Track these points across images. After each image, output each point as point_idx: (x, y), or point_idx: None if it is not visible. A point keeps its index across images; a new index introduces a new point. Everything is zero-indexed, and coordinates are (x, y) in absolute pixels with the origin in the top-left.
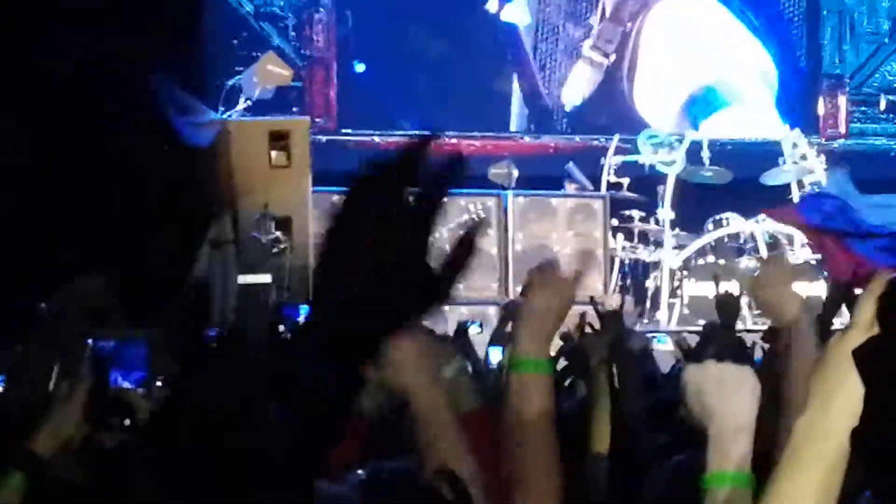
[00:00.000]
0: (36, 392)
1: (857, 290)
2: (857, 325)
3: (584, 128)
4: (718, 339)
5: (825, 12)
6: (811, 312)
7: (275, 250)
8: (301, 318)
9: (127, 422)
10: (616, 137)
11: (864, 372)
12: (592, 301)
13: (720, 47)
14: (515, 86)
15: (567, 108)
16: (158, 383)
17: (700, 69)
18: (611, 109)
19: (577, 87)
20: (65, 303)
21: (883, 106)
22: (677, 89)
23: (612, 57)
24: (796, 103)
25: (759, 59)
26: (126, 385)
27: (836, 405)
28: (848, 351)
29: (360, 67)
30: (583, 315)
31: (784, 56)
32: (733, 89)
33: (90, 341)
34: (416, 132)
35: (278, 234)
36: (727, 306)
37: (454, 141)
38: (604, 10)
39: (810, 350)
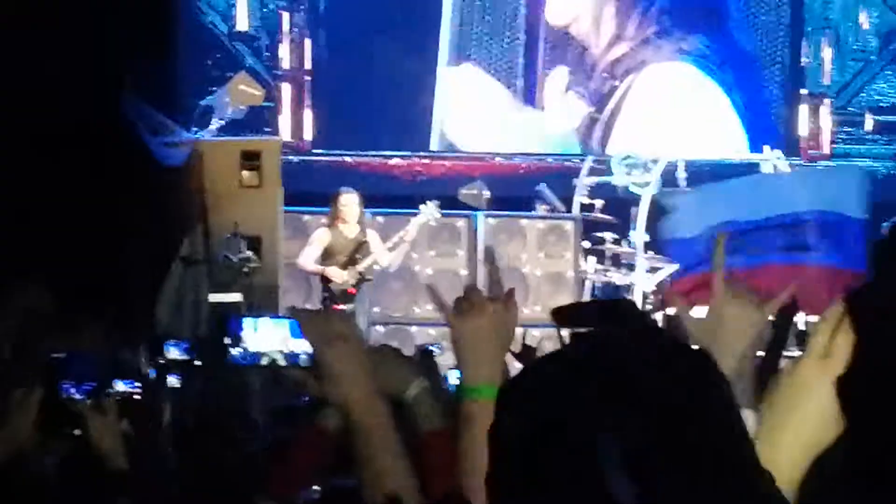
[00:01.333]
0: None
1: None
2: (811, 353)
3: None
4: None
5: (810, 29)
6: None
7: (245, 270)
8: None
9: (76, 432)
10: (589, 158)
11: (848, 405)
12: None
13: (698, 126)
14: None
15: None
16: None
17: (672, 143)
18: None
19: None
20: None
21: (869, 126)
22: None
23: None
24: (777, 123)
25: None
26: (76, 395)
27: (785, 437)
28: (802, 381)
29: None
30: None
31: (764, 73)
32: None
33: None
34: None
35: (249, 253)
36: (674, 333)
37: (426, 161)
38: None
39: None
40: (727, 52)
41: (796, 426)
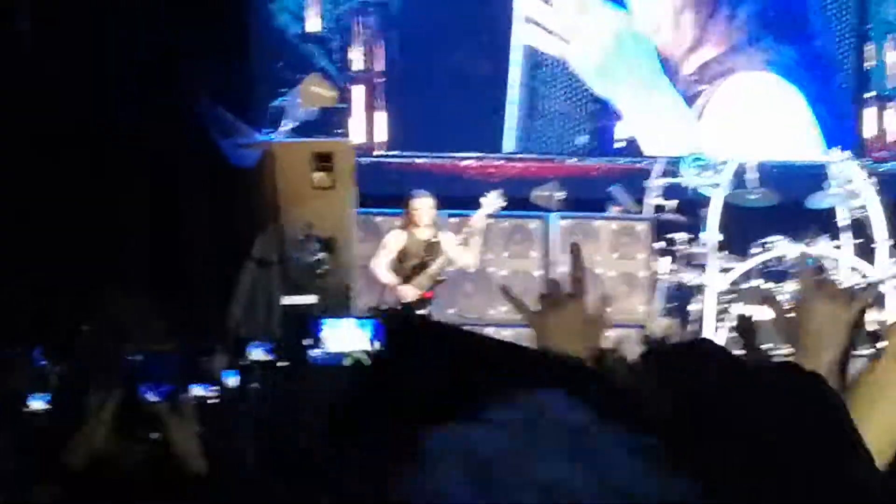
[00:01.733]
0: (78, 408)
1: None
2: (888, 354)
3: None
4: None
5: (872, 31)
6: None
7: (318, 272)
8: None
9: (154, 435)
10: (661, 160)
11: None
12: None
13: (780, 134)
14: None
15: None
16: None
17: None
18: None
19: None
20: (105, 323)
21: None
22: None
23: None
24: (842, 125)
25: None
26: (153, 398)
27: (866, 436)
28: (880, 381)
29: None
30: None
31: (830, 75)
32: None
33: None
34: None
35: (322, 255)
36: (747, 332)
37: (498, 162)
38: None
39: None
40: (809, 61)
41: (876, 425)
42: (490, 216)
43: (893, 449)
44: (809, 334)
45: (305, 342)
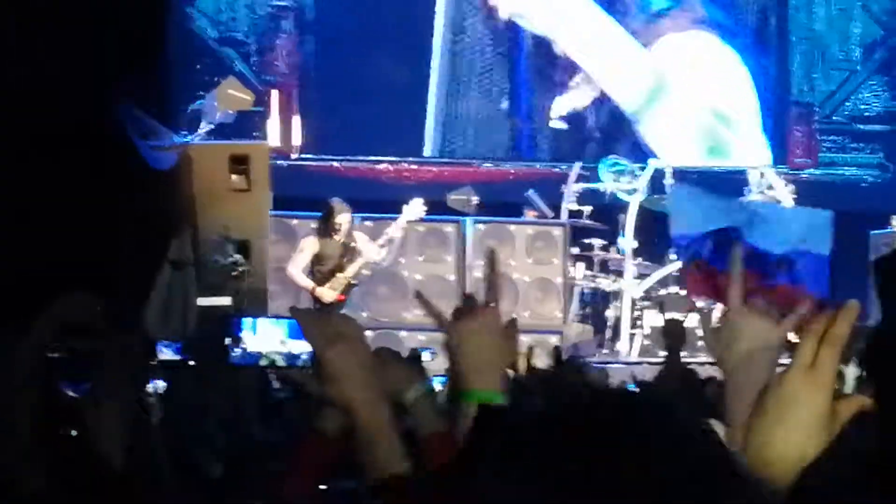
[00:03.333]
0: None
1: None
2: (798, 364)
3: (544, 154)
4: (665, 367)
5: (794, 39)
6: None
7: (234, 273)
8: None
9: (73, 432)
10: (577, 165)
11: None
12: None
13: (717, 77)
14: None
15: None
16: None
17: (699, 97)
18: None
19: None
20: (48, 320)
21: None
22: (683, 116)
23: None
24: (764, 131)
25: (747, 89)
26: (73, 395)
27: (775, 448)
28: (790, 392)
29: None
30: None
31: (753, 84)
32: (726, 117)
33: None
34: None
35: (237, 257)
36: (671, 334)
37: (414, 166)
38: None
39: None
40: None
41: (785, 436)
42: (410, 222)
43: (799, 467)
44: (736, 353)
45: (222, 342)
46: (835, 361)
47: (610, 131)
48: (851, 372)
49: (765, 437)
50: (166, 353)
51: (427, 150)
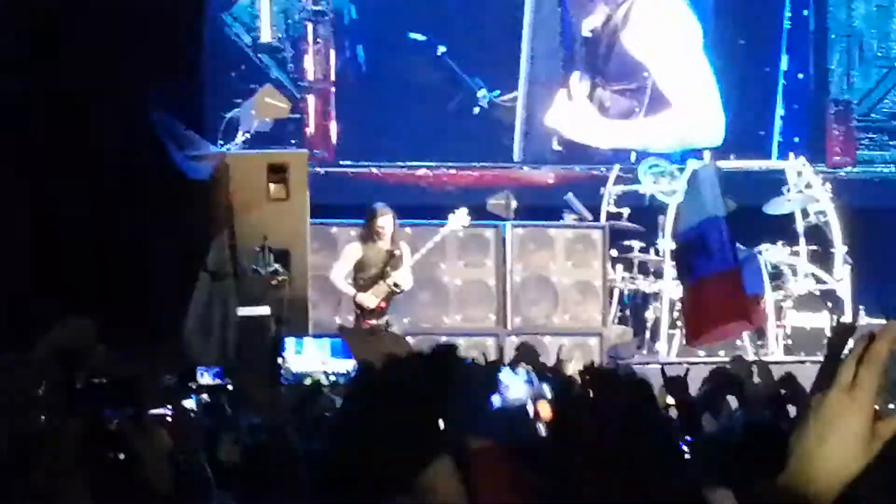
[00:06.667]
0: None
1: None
2: (839, 385)
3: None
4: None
5: (833, 36)
6: None
7: (273, 283)
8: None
9: (121, 456)
10: (616, 167)
11: None
12: None
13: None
14: (518, 115)
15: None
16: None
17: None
18: None
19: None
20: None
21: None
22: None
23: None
24: (802, 130)
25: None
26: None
27: (817, 468)
28: (831, 413)
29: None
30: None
31: (790, 82)
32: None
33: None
34: (416, 164)
35: (277, 266)
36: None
37: (452, 172)
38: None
39: None
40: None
41: (827, 456)
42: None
43: (841, 485)
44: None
45: (272, 364)
46: (874, 381)
47: None
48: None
49: (807, 456)
50: (206, 378)
51: (471, 155)
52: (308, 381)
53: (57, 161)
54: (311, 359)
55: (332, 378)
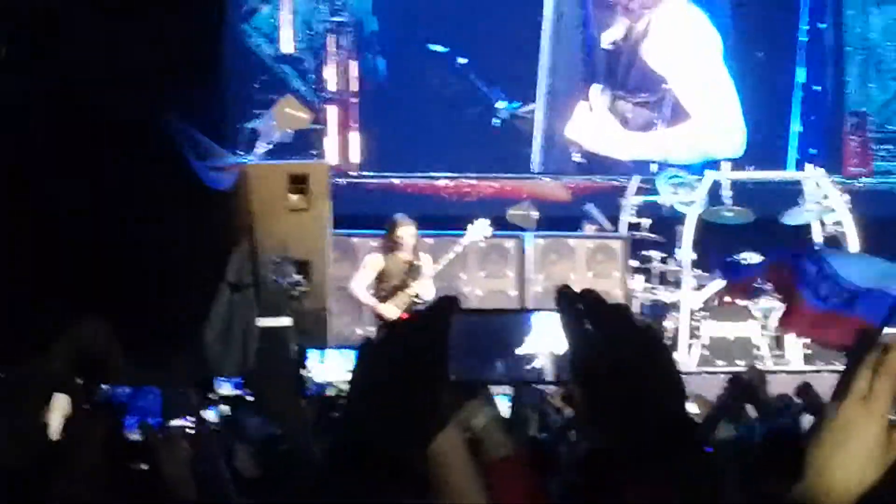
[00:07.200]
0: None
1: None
2: (854, 395)
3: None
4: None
5: (850, 49)
6: None
7: (294, 293)
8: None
9: (144, 466)
10: (636, 178)
11: None
12: None
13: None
14: (538, 126)
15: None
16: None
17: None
18: None
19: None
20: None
21: None
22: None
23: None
24: (819, 141)
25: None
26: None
27: (832, 478)
28: (846, 422)
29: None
30: None
31: (807, 94)
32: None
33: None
34: (437, 174)
35: (297, 277)
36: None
37: (473, 182)
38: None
39: None
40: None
41: (842, 466)
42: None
43: (857, 495)
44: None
45: (296, 375)
46: (890, 391)
47: None
48: None
49: (823, 466)
50: (225, 388)
51: (535, 167)
52: (331, 391)
53: (79, 170)
54: (333, 369)
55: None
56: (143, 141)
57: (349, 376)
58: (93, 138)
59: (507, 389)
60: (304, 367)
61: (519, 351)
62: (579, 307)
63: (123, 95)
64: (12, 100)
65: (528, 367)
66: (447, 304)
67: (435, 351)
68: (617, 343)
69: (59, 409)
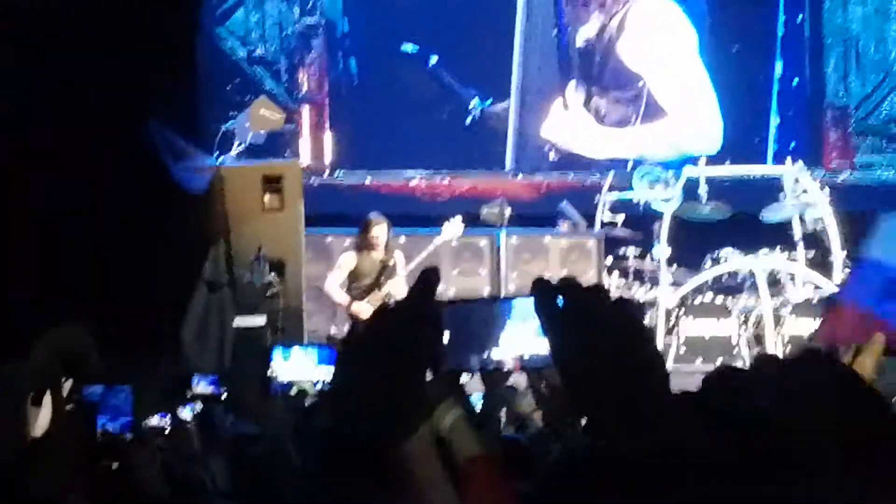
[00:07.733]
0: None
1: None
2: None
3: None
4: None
5: (829, 41)
6: None
7: (268, 293)
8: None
9: (114, 465)
10: (611, 174)
11: None
12: None
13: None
14: (511, 124)
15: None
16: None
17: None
18: None
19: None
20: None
21: None
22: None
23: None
24: (798, 135)
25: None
26: (112, 429)
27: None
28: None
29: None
30: None
31: (785, 87)
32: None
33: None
34: (409, 173)
35: (272, 276)
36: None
37: (446, 181)
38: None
39: None
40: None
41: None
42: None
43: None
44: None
45: (264, 375)
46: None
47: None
48: None
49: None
50: (202, 386)
51: (508, 164)
52: (294, 391)
53: (54, 171)
54: (298, 367)
55: (319, 386)
56: (117, 142)
57: (315, 374)
58: (69, 139)
59: (479, 387)
60: (268, 366)
61: (496, 339)
62: (555, 293)
63: (97, 98)
64: None
65: (504, 354)
66: (427, 291)
67: (419, 343)
68: (595, 321)
69: (44, 406)
